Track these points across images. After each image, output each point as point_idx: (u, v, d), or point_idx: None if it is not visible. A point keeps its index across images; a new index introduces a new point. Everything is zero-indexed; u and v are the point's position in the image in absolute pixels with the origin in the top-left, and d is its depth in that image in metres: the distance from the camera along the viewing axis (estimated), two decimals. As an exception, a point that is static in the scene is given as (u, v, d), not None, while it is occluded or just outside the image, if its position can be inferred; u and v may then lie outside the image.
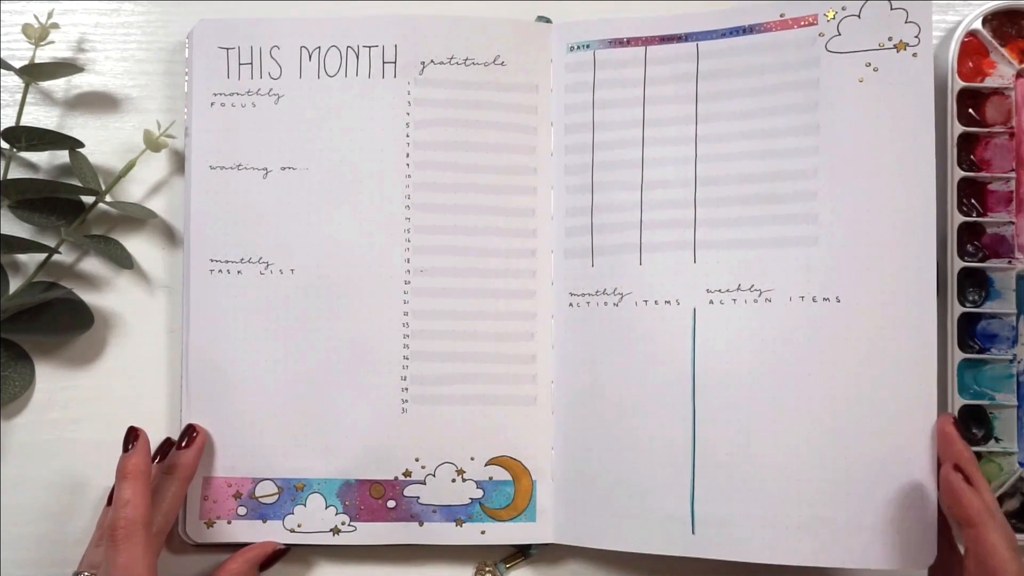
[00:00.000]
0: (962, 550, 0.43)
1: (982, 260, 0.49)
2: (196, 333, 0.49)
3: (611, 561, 0.50)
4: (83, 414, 0.51)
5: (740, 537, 0.46)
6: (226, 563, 0.48)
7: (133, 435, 0.46)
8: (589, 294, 0.49)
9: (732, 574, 0.48)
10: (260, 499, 0.49)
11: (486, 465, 0.49)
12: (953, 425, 0.44)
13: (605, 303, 0.49)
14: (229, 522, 0.49)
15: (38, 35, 0.49)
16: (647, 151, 0.49)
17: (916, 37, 0.46)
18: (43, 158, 0.52)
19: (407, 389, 0.49)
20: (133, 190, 0.52)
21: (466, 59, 0.50)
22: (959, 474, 0.42)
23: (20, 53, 0.51)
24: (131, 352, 0.51)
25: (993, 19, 0.50)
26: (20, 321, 0.50)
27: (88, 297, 0.51)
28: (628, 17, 0.50)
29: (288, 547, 0.49)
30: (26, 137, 0.49)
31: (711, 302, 0.47)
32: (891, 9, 0.46)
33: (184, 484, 0.47)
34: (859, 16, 0.47)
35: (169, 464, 0.47)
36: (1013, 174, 0.49)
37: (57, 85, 0.52)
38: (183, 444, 0.48)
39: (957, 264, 0.49)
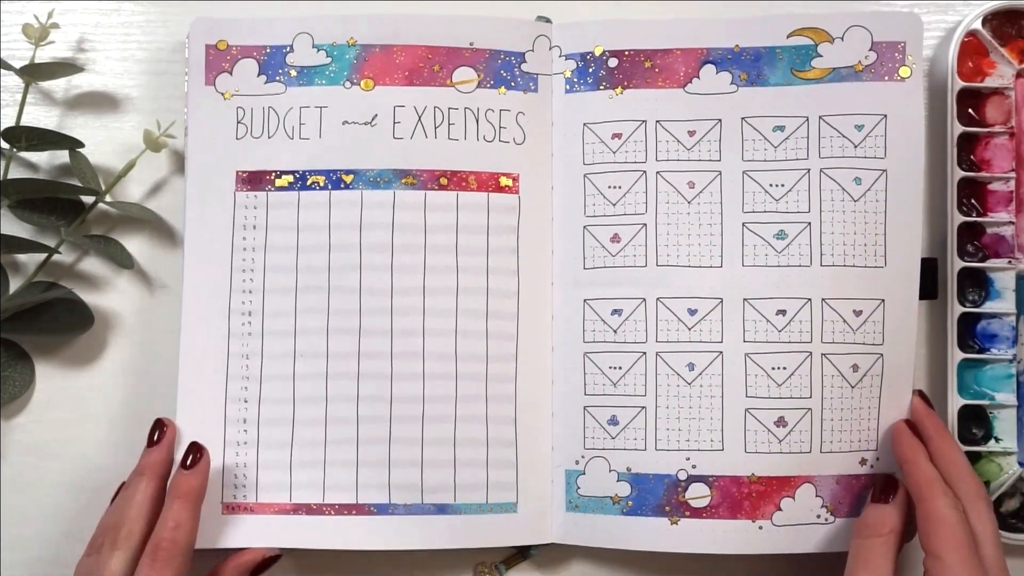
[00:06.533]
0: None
1: (982, 260, 0.49)
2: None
3: (611, 561, 0.50)
4: (83, 414, 0.51)
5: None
6: (217, 569, 0.46)
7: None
8: None
9: (724, 570, 0.48)
10: None
11: None
12: (920, 398, 0.47)
13: None
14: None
15: (38, 35, 0.49)
16: None
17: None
18: (43, 158, 0.52)
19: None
20: (133, 190, 0.52)
21: None
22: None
23: (20, 53, 0.51)
24: (131, 352, 0.51)
25: (993, 19, 0.50)
26: (20, 321, 0.49)
27: (88, 297, 0.51)
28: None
29: (280, 553, 0.48)
30: (26, 137, 0.49)
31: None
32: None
33: (197, 509, 0.44)
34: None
35: (178, 490, 0.44)
36: (1013, 174, 0.49)
37: (57, 85, 0.52)
38: (187, 464, 0.45)
39: (957, 264, 0.49)
